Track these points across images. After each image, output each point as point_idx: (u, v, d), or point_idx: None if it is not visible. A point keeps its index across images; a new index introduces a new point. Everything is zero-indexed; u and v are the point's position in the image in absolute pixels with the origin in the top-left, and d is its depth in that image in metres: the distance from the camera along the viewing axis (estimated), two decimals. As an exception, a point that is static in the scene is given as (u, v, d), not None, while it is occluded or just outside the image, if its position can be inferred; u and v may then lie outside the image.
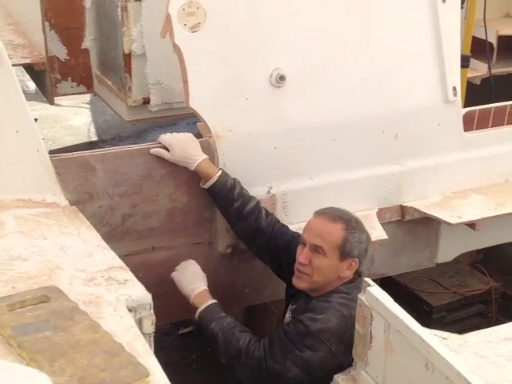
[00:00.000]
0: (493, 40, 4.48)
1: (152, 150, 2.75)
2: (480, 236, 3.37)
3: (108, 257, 2.17)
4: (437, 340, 1.82)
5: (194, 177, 2.81)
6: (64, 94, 4.09)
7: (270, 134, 2.94)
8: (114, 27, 3.46)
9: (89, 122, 7.43)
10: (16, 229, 2.26)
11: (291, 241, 2.79)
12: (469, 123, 3.38)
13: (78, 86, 4.01)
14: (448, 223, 3.19)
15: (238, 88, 2.85)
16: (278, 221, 2.89)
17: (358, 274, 2.60)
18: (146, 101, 3.38)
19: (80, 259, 2.12)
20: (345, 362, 2.32)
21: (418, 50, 3.17)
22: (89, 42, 3.88)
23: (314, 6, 2.93)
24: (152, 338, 1.96)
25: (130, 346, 1.73)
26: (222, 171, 2.79)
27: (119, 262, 2.13)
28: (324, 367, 2.38)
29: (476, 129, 3.43)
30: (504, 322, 2.17)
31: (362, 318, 2.08)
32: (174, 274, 2.77)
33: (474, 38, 4.26)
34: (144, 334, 1.90)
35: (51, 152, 2.69)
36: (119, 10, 3.24)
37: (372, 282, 2.08)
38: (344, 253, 2.52)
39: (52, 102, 4.16)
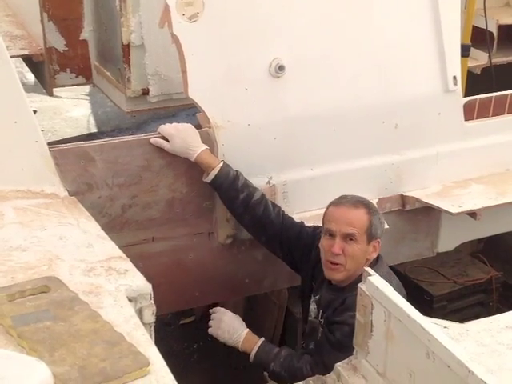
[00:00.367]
0: (493, 29, 4.46)
1: (152, 140, 2.74)
2: (481, 225, 3.36)
3: (108, 247, 2.16)
4: (437, 329, 1.81)
5: (193, 167, 2.80)
6: (63, 86, 4.08)
7: (269, 124, 2.93)
8: (112, 18, 3.45)
9: (88, 113, 7.41)
10: (15, 219, 2.26)
11: (301, 231, 2.84)
12: (469, 112, 3.37)
13: (76, 77, 4.00)
14: (449, 213, 3.19)
15: (237, 78, 2.85)
16: (284, 211, 2.89)
17: (377, 258, 2.66)
18: (145, 92, 3.38)
19: (79, 249, 2.12)
20: None
21: (418, 39, 3.16)
22: (87, 32, 3.88)
23: (314, -4, 2.92)
24: (152, 328, 1.95)
25: (131, 335, 1.73)
26: (224, 162, 2.79)
27: (119, 252, 2.13)
28: None
29: (476, 118, 3.42)
30: (505, 311, 2.17)
31: (362, 307, 2.07)
32: (211, 331, 2.77)
33: (474, 28, 4.24)
34: (144, 323, 1.89)
35: (51, 144, 2.68)
36: (117, 0, 3.23)
37: (372, 272, 2.08)
38: (370, 235, 2.59)
39: (51, 94, 4.15)
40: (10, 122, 2.44)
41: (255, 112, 2.90)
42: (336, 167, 3.08)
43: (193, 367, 4.00)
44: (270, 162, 2.97)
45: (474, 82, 4.23)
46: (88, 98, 7.64)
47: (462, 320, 2.18)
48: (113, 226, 2.70)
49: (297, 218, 2.91)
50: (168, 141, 2.75)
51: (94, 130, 7.10)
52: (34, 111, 5.67)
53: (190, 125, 2.82)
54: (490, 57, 4.34)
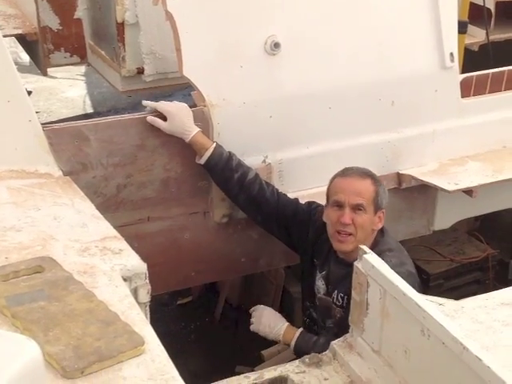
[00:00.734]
0: (491, 6, 4.42)
1: (148, 118, 2.72)
2: (477, 203, 3.36)
3: (102, 227, 2.15)
4: (432, 306, 1.81)
5: (188, 147, 2.78)
6: (57, 65, 4.05)
7: (265, 102, 2.91)
8: (106, -4, 3.41)
9: (84, 94, 7.37)
10: (9, 199, 2.24)
11: (296, 208, 2.85)
12: (466, 89, 3.35)
13: (71, 56, 3.97)
14: (445, 190, 3.18)
15: (232, 56, 2.82)
16: (278, 189, 2.89)
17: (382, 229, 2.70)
18: (140, 71, 3.35)
19: (74, 229, 2.11)
20: None
21: (415, 16, 3.14)
22: (81, 11, 3.84)
23: (309, -28, 2.89)
24: (148, 308, 1.95)
25: (125, 315, 1.72)
26: (216, 143, 2.77)
27: (114, 232, 2.12)
28: None
29: (473, 95, 3.40)
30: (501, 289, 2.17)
31: (358, 285, 2.07)
32: (253, 328, 2.81)
33: (472, 4, 4.21)
34: (139, 303, 1.89)
35: (46, 124, 2.66)
36: (111, -22, 3.20)
37: (368, 249, 2.07)
38: (377, 205, 2.63)
39: (45, 73, 4.13)
40: (3, 101, 2.42)
41: (250, 90, 2.88)
42: (332, 145, 3.07)
43: (190, 347, 4.01)
44: (266, 140, 2.95)
45: (472, 59, 4.20)
46: (84, 78, 7.59)
47: (458, 298, 2.18)
48: (108, 206, 2.69)
49: (292, 196, 2.90)
50: (165, 119, 2.73)
51: (89, 110, 7.07)
52: (30, 92, 5.64)
53: (185, 105, 2.80)
54: (487, 34, 4.30)
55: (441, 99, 3.24)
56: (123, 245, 2.05)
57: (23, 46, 4.44)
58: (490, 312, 1.93)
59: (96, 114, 6.84)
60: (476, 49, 4.40)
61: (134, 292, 1.92)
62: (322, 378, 2.04)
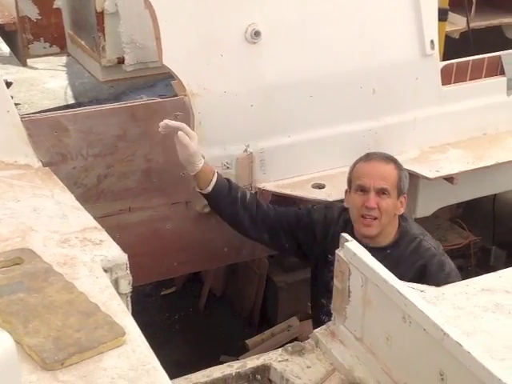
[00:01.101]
0: (471, -7, 4.42)
1: (179, 134, 2.59)
2: (458, 190, 3.37)
3: (82, 218, 2.13)
4: (414, 293, 1.82)
5: (169, 136, 2.77)
6: (37, 56, 4.02)
7: (246, 91, 2.90)
8: (85, -15, 3.39)
9: (65, 84, 7.31)
10: (-12, 191, 2.22)
11: (296, 213, 2.85)
12: (447, 77, 3.36)
13: (50, 46, 3.95)
14: (426, 178, 3.19)
15: (213, 44, 2.81)
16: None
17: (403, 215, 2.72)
18: (121, 60, 3.33)
19: (54, 221, 2.09)
20: None
21: (395, 3, 3.13)
22: (60, 1, 3.82)
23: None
24: (129, 298, 1.94)
25: (106, 305, 1.71)
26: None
27: (94, 223, 2.10)
28: None
29: (454, 82, 3.41)
30: (482, 275, 2.18)
31: (340, 273, 2.08)
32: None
33: (453, -9, 4.21)
34: (120, 294, 1.88)
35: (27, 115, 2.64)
36: (89, -34, 3.17)
37: (350, 237, 2.08)
38: (399, 190, 2.65)
39: (25, 64, 4.09)
40: (-20, 92, 2.40)
41: (231, 79, 2.87)
42: (313, 134, 3.06)
43: (174, 337, 4.01)
44: (247, 129, 2.94)
45: (453, 47, 4.20)
46: (65, 69, 7.53)
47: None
48: (88, 197, 2.68)
49: (274, 185, 2.90)
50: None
51: (71, 101, 7.01)
52: (10, 83, 5.57)
53: None
54: (467, 21, 4.30)
55: (421, 87, 3.24)
56: (104, 236, 2.04)
57: (2, 37, 4.39)
58: (470, 298, 1.93)
59: (77, 104, 6.78)
60: (457, 36, 4.39)
61: (115, 283, 1.91)
62: (304, 365, 2.05)
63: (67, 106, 6.75)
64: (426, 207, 3.49)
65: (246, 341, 3.79)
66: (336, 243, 2.73)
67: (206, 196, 2.75)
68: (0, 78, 2.47)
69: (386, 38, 3.13)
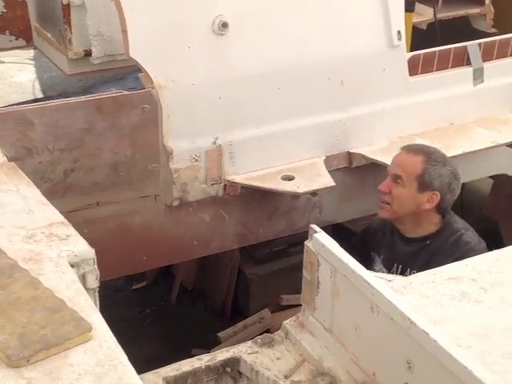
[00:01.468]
0: (438, -16, 4.45)
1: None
2: (427, 179, 3.39)
3: (49, 213, 2.10)
4: (381, 282, 1.83)
5: (137, 129, 2.75)
6: (2, 49, 3.98)
7: (214, 83, 2.88)
8: (50, -23, 3.35)
9: (33, 78, 7.22)
10: (-49, 187, 2.19)
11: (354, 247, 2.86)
12: (414, 67, 3.37)
13: (16, 39, 3.91)
14: (395, 168, 3.20)
15: (180, 36, 2.79)
16: None
17: (443, 212, 2.73)
18: (88, 53, 3.31)
19: (19, 216, 2.06)
20: None
21: (362, -6, 3.14)
22: (26, -7, 3.76)
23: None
24: (97, 294, 1.92)
25: (73, 301, 1.69)
26: None
27: (60, 218, 2.08)
28: None
29: (421, 73, 3.43)
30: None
31: (309, 265, 2.08)
32: None
33: (419, -18, 4.23)
34: (88, 289, 1.86)
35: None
36: (54, -42, 3.13)
37: (318, 229, 2.08)
38: (423, 184, 2.66)
39: (-10, 58, 4.04)
40: None
41: (199, 71, 2.85)
42: (282, 125, 3.06)
43: (146, 332, 3.99)
44: (216, 121, 2.93)
45: (420, 38, 4.23)
46: (33, 62, 7.43)
47: (411, 273, 2.21)
48: (55, 192, 2.64)
49: (243, 177, 2.89)
50: None
51: (39, 95, 6.93)
52: (-24, 77, 5.46)
53: None
54: (435, 12, 4.33)
55: (389, 77, 3.26)
56: (70, 230, 2.01)
57: (-33, 30, 4.33)
58: (437, 287, 1.95)
59: (46, 98, 6.70)
60: (424, 27, 4.42)
61: (82, 278, 1.89)
62: (274, 357, 2.05)
63: (35, 100, 6.66)
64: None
65: (219, 334, 3.79)
66: (384, 236, 2.81)
67: None
68: (-37, 72, 2.43)
69: (353, 29, 3.13)
